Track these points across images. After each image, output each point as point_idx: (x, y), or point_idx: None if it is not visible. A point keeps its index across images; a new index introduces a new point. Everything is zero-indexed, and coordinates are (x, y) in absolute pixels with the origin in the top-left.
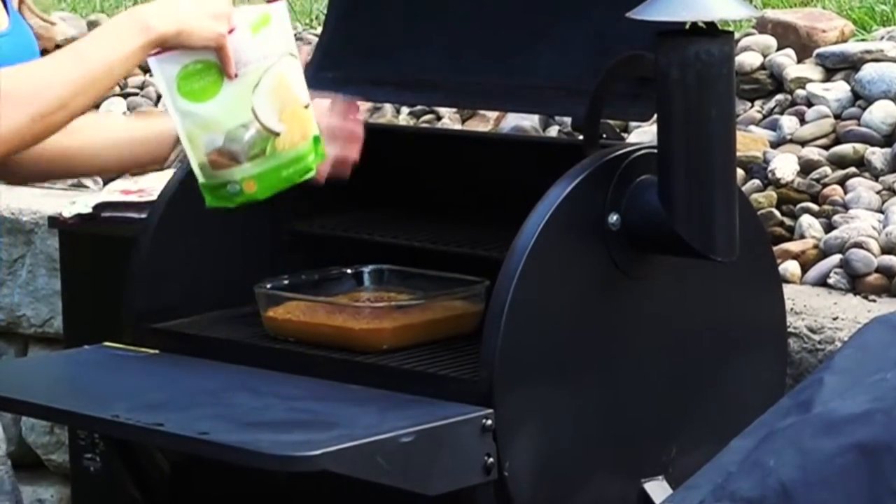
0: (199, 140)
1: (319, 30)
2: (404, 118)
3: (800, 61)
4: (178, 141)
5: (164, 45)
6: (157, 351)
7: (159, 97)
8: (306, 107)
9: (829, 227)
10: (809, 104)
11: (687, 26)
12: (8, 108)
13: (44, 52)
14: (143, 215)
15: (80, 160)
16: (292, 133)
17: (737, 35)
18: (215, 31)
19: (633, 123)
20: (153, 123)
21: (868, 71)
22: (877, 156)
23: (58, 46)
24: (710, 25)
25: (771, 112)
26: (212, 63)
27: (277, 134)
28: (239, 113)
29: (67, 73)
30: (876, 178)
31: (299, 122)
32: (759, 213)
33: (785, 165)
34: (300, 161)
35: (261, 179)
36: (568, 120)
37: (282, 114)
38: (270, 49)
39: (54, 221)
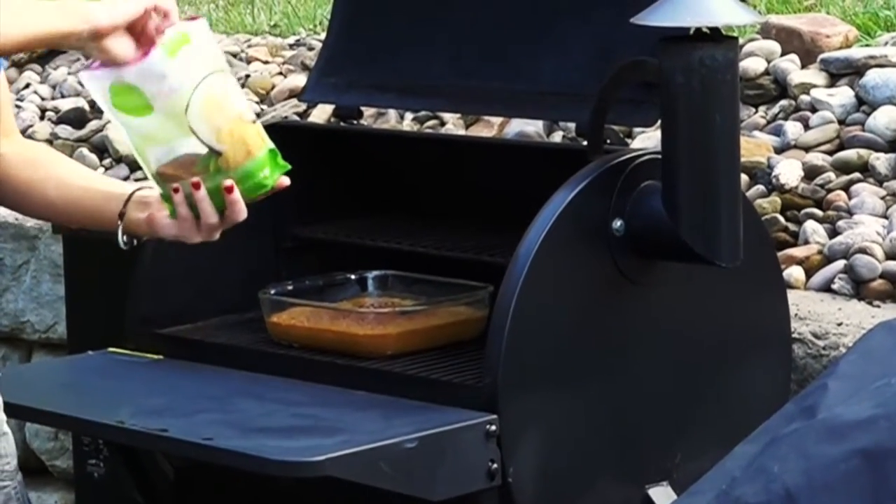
0: (146, 153)
1: (323, 35)
2: (408, 124)
3: (804, 67)
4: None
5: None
6: (161, 357)
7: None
8: (252, 122)
9: (833, 233)
10: (813, 110)
11: (691, 31)
12: None
13: None
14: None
15: (36, 198)
16: (237, 150)
17: (741, 40)
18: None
19: (637, 129)
20: (116, 185)
21: (872, 76)
22: (881, 161)
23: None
24: (714, 31)
25: (775, 117)
26: (135, 87)
27: (219, 153)
28: (178, 132)
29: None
30: (880, 183)
31: (240, 139)
32: (763, 218)
33: (789, 171)
34: (250, 178)
35: (210, 196)
36: (572, 125)
37: (219, 133)
38: (195, 70)
39: (58, 227)
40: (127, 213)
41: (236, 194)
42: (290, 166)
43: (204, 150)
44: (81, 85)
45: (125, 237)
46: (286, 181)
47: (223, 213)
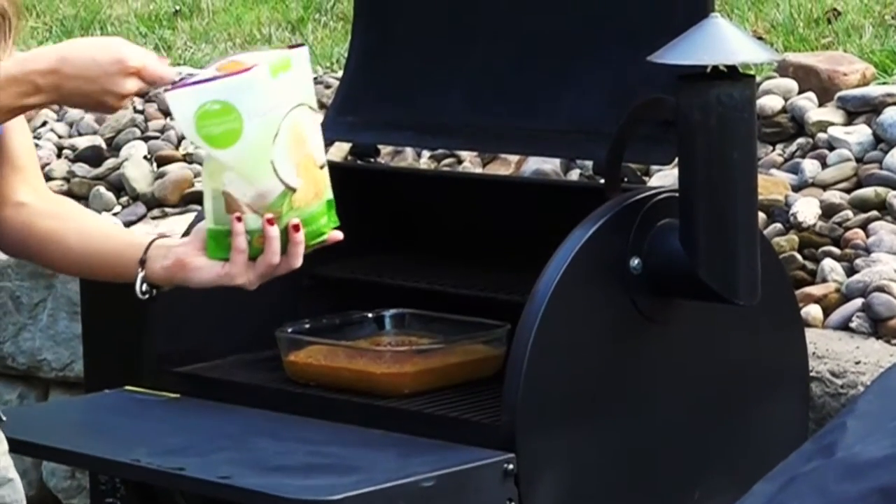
0: (219, 175)
1: (340, 73)
2: (425, 162)
3: (821, 105)
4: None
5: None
6: (178, 395)
7: (180, 140)
8: (321, 167)
9: (851, 271)
10: (831, 147)
11: (708, 70)
12: None
13: None
14: None
15: (56, 248)
16: (307, 190)
17: (758, 78)
18: (107, 103)
19: (654, 167)
20: (137, 235)
21: (890, 114)
22: None
23: None
24: (732, 69)
25: (792, 155)
26: (230, 105)
27: (294, 189)
28: (260, 163)
29: None
30: None
31: (313, 179)
32: (780, 256)
33: (807, 209)
34: (313, 222)
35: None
36: (589, 163)
37: (298, 168)
38: (289, 96)
39: None
40: (148, 260)
41: (301, 235)
42: (339, 223)
43: (281, 188)
44: (98, 123)
45: (144, 286)
46: (339, 235)
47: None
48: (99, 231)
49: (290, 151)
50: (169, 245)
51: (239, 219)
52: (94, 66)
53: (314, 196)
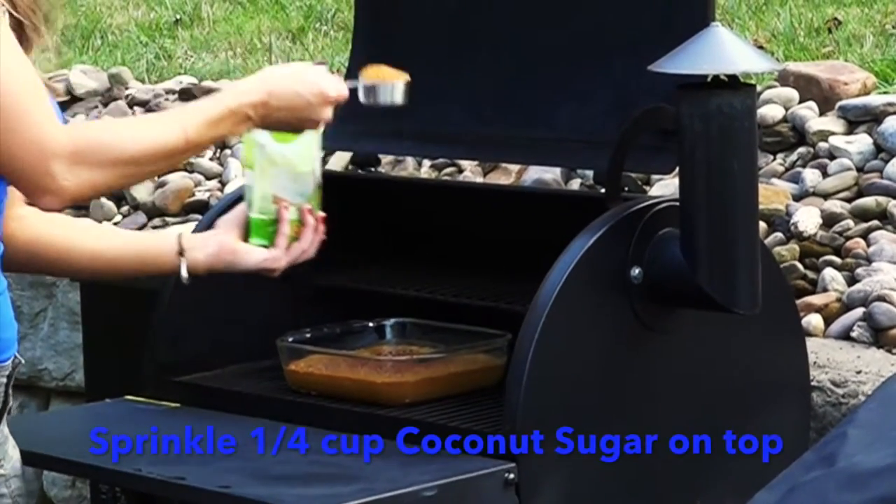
0: (269, 168)
1: None
2: (426, 171)
3: (822, 114)
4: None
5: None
6: (178, 404)
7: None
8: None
9: (851, 281)
10: (832, 157)
11: (709, 79)
12: (106, 164)
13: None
14: None
15: (78, 253)
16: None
17: (759, 88)
18: (306, 129)
19: (655, 176)
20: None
21: (890, 123)
22: None
23: (74, 98)
24: (732, 78)
25: (793, 165)
26: None
27: (321, 186)
28: (308, 159)
29: (168, 148)
30: None
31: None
32: (781, 266)
33: (807, 218)
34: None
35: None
36: (590, 173)
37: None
38: None
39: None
40: (187, 250)
41: (323, 226)
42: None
43: (315, 183)
44: None
45: (186, 274)
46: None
47: None
48: (111, 231)
49: (318, 151)
50: (204, 236)
51: (286, 208)
52: (299, 99)
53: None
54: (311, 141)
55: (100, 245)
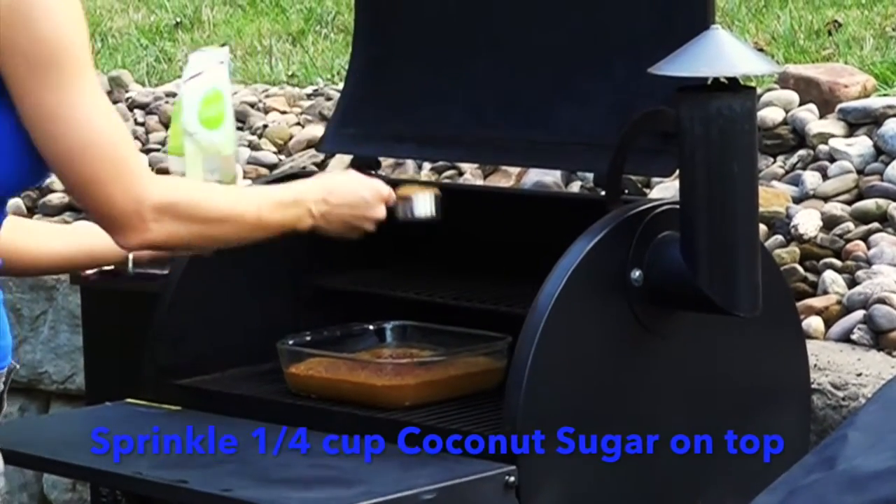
0: (199, 157)
1: (341, 85)
2: (426, 174)
3: (822, 116)
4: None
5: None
6: (179, 407)
7: None
8: None
9: (852, 283)
10: (832, 159)
11: (709, 82)
12: (188, 220)
13: None
14: (166, 271)
15: (45, 253)
16: None
17: (759, 90)
18: (363, 227)
19: (655, 179)
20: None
21: (891, 126)
22: None
23: None
24: (732, 81)
25: (793, 167)
26: (220, 93)
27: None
28: (231, 145)
29: (244, 219)
30: None
31: None
32: (781, 268)
33: (808, 221)
34: None
35: None
36: (590, 175)
37: None
38: None
39: (76, 277)
40: None
41: None
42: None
43: (233, 171)
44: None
45: (132, 265)
46: None
47: None
48: (65, 231)
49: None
50: None
51: None
52: (356, 196)
53: None
54: (232, 125)
55: (58, 245)
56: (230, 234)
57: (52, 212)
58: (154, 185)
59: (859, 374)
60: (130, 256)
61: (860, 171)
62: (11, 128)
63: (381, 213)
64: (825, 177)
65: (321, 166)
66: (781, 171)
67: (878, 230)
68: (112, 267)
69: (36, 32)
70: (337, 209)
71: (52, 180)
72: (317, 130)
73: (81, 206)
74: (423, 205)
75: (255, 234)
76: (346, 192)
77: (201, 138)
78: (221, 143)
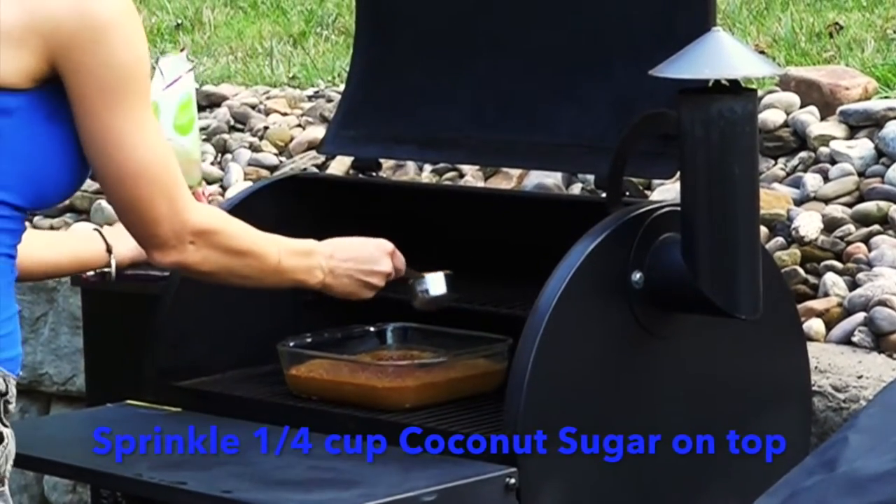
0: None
1: (342, 87)
2: (427, 176)
3: (823, 119)
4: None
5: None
6: (179, 409)
7: None
8: None
9: (853, 285)
10: (833, 162)
11: (710, 84)
12: (222, 248)
13: None
14: (166, 273)
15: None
16: None
17: (760, 92)
18: (371, 283)
19: (656, 181)
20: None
21: (892, 128)
22: None
23: None
24: (733, 83)
25: (794, 170)
26: (191, 99)
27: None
28: (197, 149)
29: (267, 259)
30: None
31: None
32: (782, 271)
33: (808, 223)
34: None
35: None
36: (591, 177)
37: None
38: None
39: (77, 279)
40: (113, 246)
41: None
42: None
43: (199, 175)
44: None
45: (115, 268)
46: None
47: None
48: (52, 238)
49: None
50: (120, 230)
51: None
52: (363, 249)
53: None
54: (197, 130)
55: (46, 253)
56: (253, 270)
57: (53, 212)
58: (197, 211)
59: (860, 377)
60: (113, 262)
61: (861, 174)
62: (60, 141)
63: (387, 266)
64: (826, 179)
65: (322, 168)
66: (782, 173)
67: (878, 232)
68: (93, 273)
69: (112, 58)
70: (344, 264)
71: None
72: (318, 132)
73: (124, 221)
74: (437, 284)
75: (271, 277)
76: (351, 248)
77: (175, 144)
78: (191, 149)
